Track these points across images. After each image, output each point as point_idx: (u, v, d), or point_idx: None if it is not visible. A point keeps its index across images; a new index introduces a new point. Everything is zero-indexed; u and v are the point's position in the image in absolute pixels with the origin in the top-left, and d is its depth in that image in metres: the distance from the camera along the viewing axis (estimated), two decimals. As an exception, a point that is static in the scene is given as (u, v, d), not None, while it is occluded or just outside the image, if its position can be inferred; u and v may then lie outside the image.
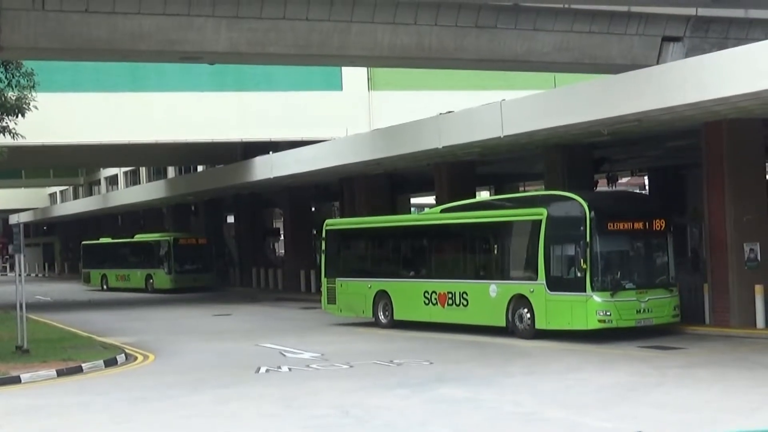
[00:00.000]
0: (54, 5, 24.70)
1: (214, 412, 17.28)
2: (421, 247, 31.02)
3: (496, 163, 39.00)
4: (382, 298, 30.92)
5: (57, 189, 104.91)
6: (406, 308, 30.30)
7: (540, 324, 26.01)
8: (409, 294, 30.11)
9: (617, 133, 28.29)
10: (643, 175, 47.98)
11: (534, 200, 28.22)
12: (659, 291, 25.82)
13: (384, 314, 30.87)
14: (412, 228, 32.22)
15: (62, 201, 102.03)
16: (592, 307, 24.91)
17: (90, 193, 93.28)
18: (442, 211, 30.83)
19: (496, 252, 28.21)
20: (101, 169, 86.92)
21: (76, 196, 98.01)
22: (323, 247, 33.76)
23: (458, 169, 37.06)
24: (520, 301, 26.45)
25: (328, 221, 35.08)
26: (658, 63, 28.93)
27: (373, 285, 31.27)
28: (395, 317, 30.52)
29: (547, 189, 32.03)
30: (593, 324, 24.92)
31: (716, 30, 29.87)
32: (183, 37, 26.23)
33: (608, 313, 24.91)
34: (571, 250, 25.36)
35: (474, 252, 29.29)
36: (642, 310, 25.36)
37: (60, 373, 22.16)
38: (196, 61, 30.46)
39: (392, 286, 30.81)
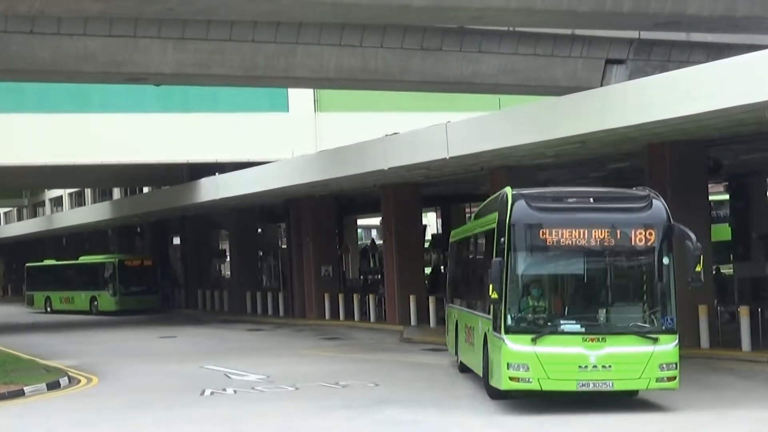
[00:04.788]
0: (-2, 26, 24.54)
1: (158, 435, 17.17)
2: None
3: (443, 185, 39.15)
4: None
5: (1, 210, 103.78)
6: None
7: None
8: None
9: (562, 154, 28.50)
10: (588, 197, 48.28)
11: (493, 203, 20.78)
12: (629, 339, 17.73)
13: None
14: None
15: (6, 222, 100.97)
16: (504, 357, 17.78)
17: (34, 215, 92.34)
18: None
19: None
20: (46, 190, 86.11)
21: (20, 218, 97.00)
22: (449, 264, 27.90)
23: (405, 191, 37.19)
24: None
25: (454, 231, 27.43)
26: (602, 85, 29.23)
27: None
28: None
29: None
30: (506, 383, 17.82)
31: (658, 53, 30.24)
32: (129, 59, 26.13)
33: (525, 368, 17.56)
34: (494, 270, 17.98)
35: None
36: (591, 367, 17.54)
37: (1, 397, 21.88)
38: (142, 82, 30.35)
39: None
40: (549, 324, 17.95)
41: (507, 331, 17.69)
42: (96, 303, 57.76)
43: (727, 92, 21.19)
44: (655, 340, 17.60)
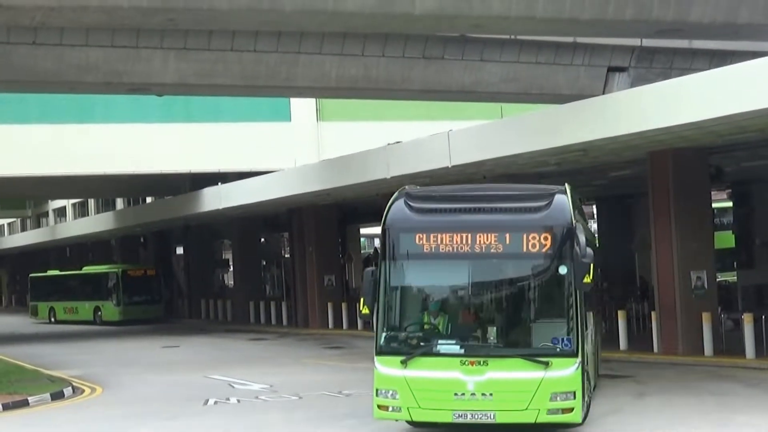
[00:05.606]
0: (1, 38, 24.55)
1: (161, 445, 17.18)
2: None
3: (445, 193, 39.07)
4: None
5: (4, 221, 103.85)
6: None
7: None
8: None
9: (564, 162, 28.50)
10: (591, 204, 48.36)
11: None
12: (515, 363, 15.11)
13: None
14: None
15: (9, 233, 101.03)
16: (374, 381, 15.83)
17: (38, 225, 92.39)
18: None
19: None
20: (49, 201, 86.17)
21: (23, 228, 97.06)
22: None
23: (407, 199, 37.14)
24: None
25: None
26: (604, 93, 29.20)
27: None
28: None
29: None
30: (375, 411, 15.87)
31: (661, 60, 30.21)
32: (131, 69, 26.14)
33: (393, 395, 15.41)
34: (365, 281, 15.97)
35: None
36: (469, 396, 15.08)
37: (6, 407, 21.92)
38: (144, 92, 30.37)
39: None
40: (422, 344, 15.52)
41: (378, 352, 15.56)
42: (100, 313, 57.77)
43: (730, 99, 21.20)
44: (547, 365, 14.87)
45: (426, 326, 15.77)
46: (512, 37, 28.36)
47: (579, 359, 15.06)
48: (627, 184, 35.80)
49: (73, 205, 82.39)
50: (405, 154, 32.42)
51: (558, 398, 14.90)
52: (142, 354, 36.20)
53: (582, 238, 15.08)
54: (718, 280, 29.71)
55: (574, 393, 14.97)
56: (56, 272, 66.01)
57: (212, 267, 60.78)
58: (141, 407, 21.68)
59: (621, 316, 29.16)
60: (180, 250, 62.86)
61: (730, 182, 36.98)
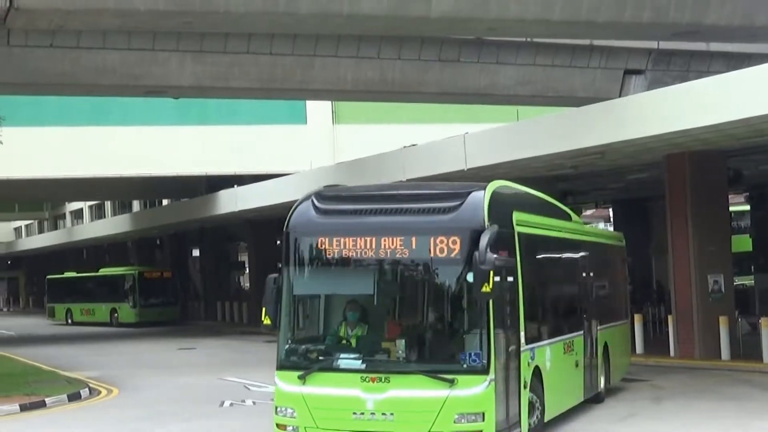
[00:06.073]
0: (19, 41, 24.64)
1: (177, 448, 17.18)
2: None
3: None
4: None
5: (22, 223, 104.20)
6: None
7: None
8: None
9: (581, 165, 28.44)
10: (608, 207, 48.29)
11: None
12: (418, 381, 13.56)
13: None
14: None
15: (27, 235, 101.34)
16: (275, 398, 14.56)
17: (55, 227, 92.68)
18: None
19: None
20: (66, 203, 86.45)
21: (41, 230, 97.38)
22: None
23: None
24: None
25: None
26: (620, 96, 29.15)
27: None
28: None
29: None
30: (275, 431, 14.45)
31: (678, 63, 30.15)
32: (147, 72, 26.21)
33: (291, 414, 14.12)
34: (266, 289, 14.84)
35: None
36: (369, 415, 13.68)
37: (23, 408, 21.95)
38: (160, 95, 30.45)
39: None
40: (322, 358, 14.19)
41: (278, 366, 14.27)
42: (116, 315, 57.93)
43: (748, 102, 21.13)
44: (452, 383, 13.30)
45: (326, 339, 14.50)
46: (528, 39, 28.34)
47: (490, 377, 13.36)
48: (644, 187, 35.70)
49: (90, 207, 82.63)
50: (420, 157, 32.39)
51: (464, 420, 13.31)
52: (158, 356, 36.24)
53: (484, 242, 13.24)
54: (735, 283, 29.62)
55: (483, 414, 13.31)
56: (73, 274, 66.21)
57: (228, 269, 60.83)
58: (157, 408, 21.70)
59: (637, 319, 29.08)
60: (196, 253, 63.00)
61: (748, 185, 36.84)
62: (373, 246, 13.86)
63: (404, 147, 33.98)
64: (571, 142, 25.80)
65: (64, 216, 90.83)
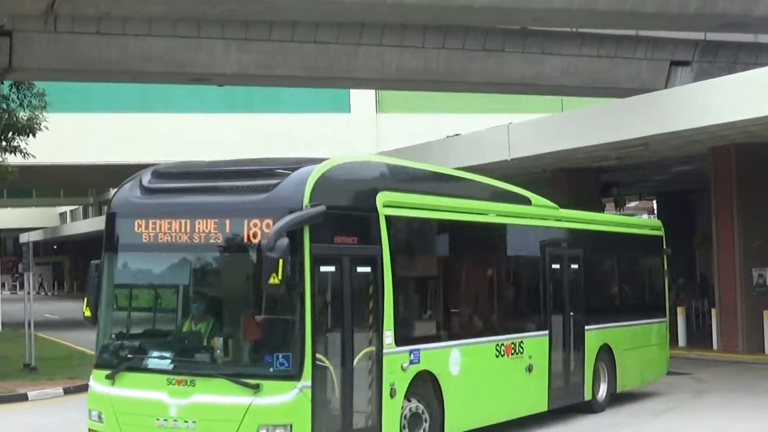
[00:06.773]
0: (66, 27, 24.81)
1: None
2: None
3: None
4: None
5: (67, 208, 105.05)
6: None
7: None
8: None
9: (625, 157, 28.28)
10: (652, 199, 48.00)
11: None
12: (220, 385, 11.79)
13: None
14: None
15: (72, 220, 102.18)
16: (88, 400, 13.15)
17: (99, 213, 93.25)
18: None
19: None
20: (111, 188, 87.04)
21: (86, 216, 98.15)
22: None
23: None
24: None
25: None
26: (666, 87, 28.95)
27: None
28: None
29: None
30: None
31: (725, 55, 29.88)
32: (192, 59, 26.31)
33: (99, 418, 12.61)
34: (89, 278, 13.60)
35: None
36: (171, 422, 11.97)
37: (67, 391, 22.19)
38: (205, 82, 30.55)
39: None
40: (131, 356, 12.63)
41: (94, 365, 12.80)
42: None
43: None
44: (256, 388, 11.56)
45: (137, 335, 12.99)
46: (574, 30, 28.19)
47: (302, 383, 11.54)
48: (689, 179, 35.47)
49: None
50: (464, 147, 32.33)
51: (268, 431, 11.58)
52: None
53: (279, 225, 11.44)
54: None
55: (291, 426, 11.53)
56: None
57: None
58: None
59: (681, 312, 28.92)
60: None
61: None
62: (188, 230, 12.16)
63: (448, 137, 33.92)
64: (615, 133, 25.67)
65: (108, 202, 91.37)
